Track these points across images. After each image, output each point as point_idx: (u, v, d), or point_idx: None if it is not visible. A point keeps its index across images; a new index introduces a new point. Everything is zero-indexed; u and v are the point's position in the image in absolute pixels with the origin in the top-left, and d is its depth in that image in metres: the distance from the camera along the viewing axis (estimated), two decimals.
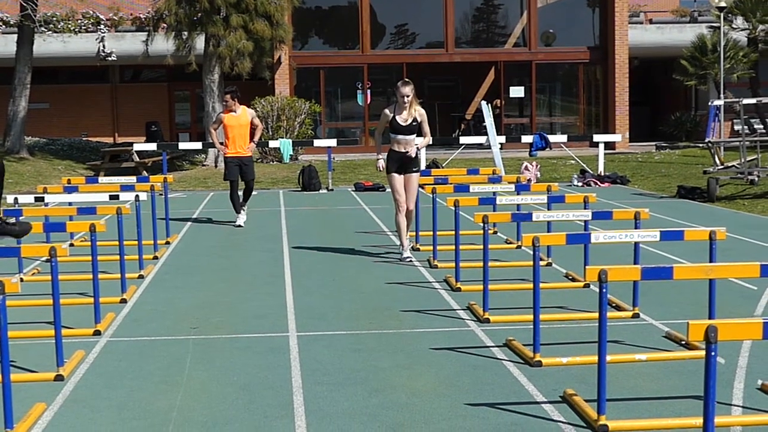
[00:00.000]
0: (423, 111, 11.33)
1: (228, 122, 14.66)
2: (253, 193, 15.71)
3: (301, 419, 5.77)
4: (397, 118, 11.16)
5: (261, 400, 6.18)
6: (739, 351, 7.10)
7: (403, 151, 11.23)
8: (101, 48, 31.36)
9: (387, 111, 11.24)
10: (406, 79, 11.39)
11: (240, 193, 15.04)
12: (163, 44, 26.93)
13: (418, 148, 11.38)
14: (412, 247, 12.10)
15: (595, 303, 6.18)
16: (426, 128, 11.42)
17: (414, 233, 12.30)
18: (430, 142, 12.25)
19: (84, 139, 32.62)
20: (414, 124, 11.19)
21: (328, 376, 6.68)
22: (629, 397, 6.11)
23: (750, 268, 5.73)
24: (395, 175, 11.35)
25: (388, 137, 11.34)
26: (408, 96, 11.12)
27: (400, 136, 11.20)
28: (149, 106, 35.50)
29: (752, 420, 5.62)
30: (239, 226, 14.70)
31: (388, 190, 20.30)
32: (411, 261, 11.24)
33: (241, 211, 14.88)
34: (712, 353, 4.21)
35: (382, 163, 11.60)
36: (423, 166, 11.53)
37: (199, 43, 26.43)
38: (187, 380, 6.66)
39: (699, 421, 4.76)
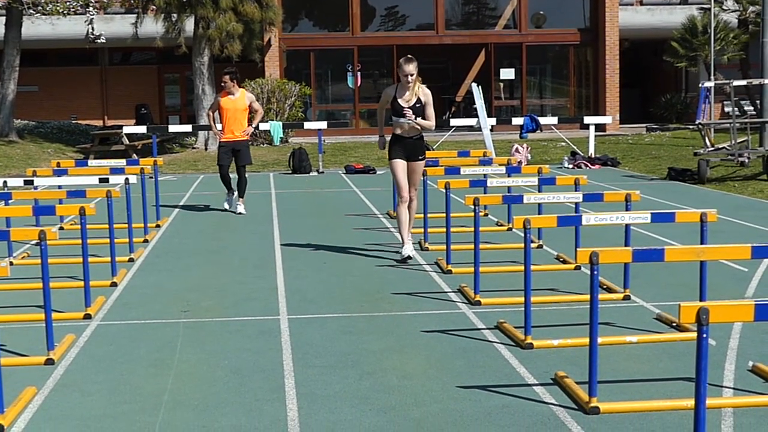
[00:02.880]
0: (428, 92, 10.31)
1: (224, 105, 14.07)
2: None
3: (292, 402, 5.77)
4: (399, 99, 10.18)
5: (252, 383, 6.17)
6: (729, 333, 7.11)
7: (407, 136, 10.23)
8: (90, 30, 31.13)
9: (388, 90, 10.34)
10: (410, 56, 10.24)
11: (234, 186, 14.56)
12: (152, 26, 26.82)
13: (416, 119, 10.13)
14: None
15: (586, 285, 6.19)
16: (430, 111, 10.26)
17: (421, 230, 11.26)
18: (432, 128, 10.49)
19: (73, 122, 32.50)
20: (418, 105, 10.16)
21: (319, 359, 6.67)
22: (620, 379, 6.12)
23: (741, 249, 5.73)
24: (398, 161, 10.32)
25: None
26: (411, 74, 10.07)
27: (402, 120, 10.18)
28: (139, 89, 35.38)
29: (743, 401, 5.63)
30: (225, 208, 14.48)
31: (379, 172, 20.42)
32: (410, 259, 10.23)
33: (238, 205, 14.28)
34: (704, 335, 4.21)
35: (383, 141, 10.70)
36: None
37: (189, 25, 26.34)
38: (178, 364, 6.65)
39: (690, 402, 4.77)
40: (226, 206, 14.55)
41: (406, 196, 10.30)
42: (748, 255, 5.69)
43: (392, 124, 10.31)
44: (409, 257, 10.21)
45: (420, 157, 10.38)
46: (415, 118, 10.14)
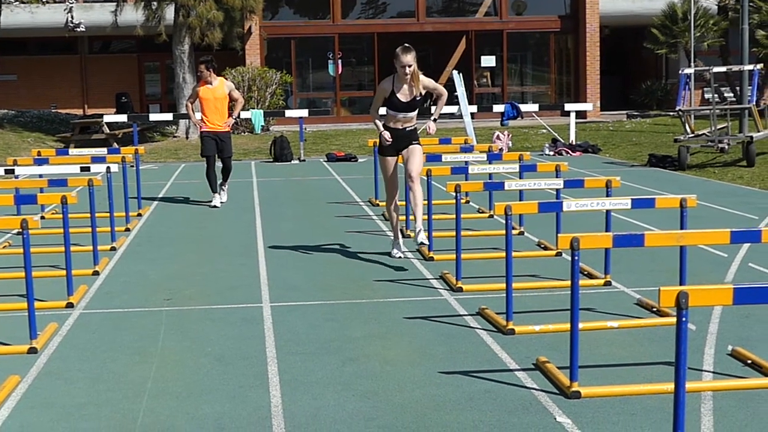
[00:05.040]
0: (428, 81, 9.39)
1: (203, 95, 13.69)
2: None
3: (275, 389, 5.79)
4: (397, 94, 9.22)
5: (235, 370, 6.19)
6: (709, 317, 7.17)
7: (401, 127, 9.39)
8: (69, 19, 31.05)
9: (384, 85, 9.28)
10: (407, 45, 9.23)
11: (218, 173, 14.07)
12: (132, 14, 26.73)
13: (435, 120, 9.56)
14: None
15: (567, 271, 6.23)
16: (439, 88, 9.59)
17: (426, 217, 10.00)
18: (445, 100, 9.70)
19: (53, 110, 32.37)
20: (418, 99, 9.27)
21: (302, 346, 6.69)
22: (601, 364, 6.16)
23: (720, 234, 5.78)
24: (389, 158, 9.49)
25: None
26: (410, 65, 9.08)
27: (400, 114, 9.31)
28: (119, 78, 35.25)
29: (722, 385, 5.68)
30: (214, 206, 13.72)
31: (361, 160, 20.42)
32: (401, 258, 9.64)
33: (222, 192, 14.03)
34: (683, 319, 4.24)
35: (387, 135, 9.36)
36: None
37: (169, 13, 26.25)
38: (161, 351, 6.66)
39: (670, 386, 4.81)
40: (217, 204, 13.83)
41: (396, 197, 9.66)
42: (727, 240, 5.73)
43: (386, 117, 9.49)
44: (400, 255, 9.68)
45: (414, 142, 9.52)
46: (434, 124, 9.56)
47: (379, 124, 9.51)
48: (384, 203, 10.65)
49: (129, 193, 12.63)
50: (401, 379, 5.94)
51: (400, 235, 9.84)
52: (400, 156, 9.62)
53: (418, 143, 9.55)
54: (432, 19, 32.42)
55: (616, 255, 8.59)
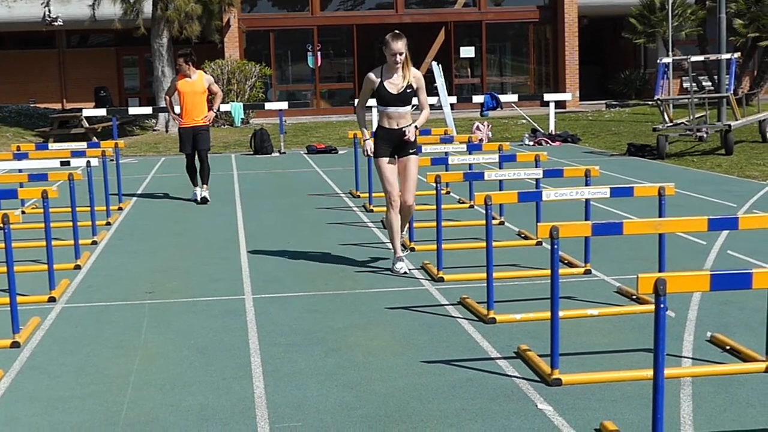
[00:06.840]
0: (419, 74, 8.63)
1: (182, 89, 13.44)
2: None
3: (259, 380, 5.82)
4: (385, 84, 8.48)
5: (218, 362, 6.21)
6: (688, 305, 7.23)
7: (396, 127, 8.57)
8: (47, 13, 30.89)
9: (372, 75, 8.55)
10: (397, 32, 8.49)
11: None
12: (110, 8, 26.61)
13: (417, 127, 8.61)
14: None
15: (547, 260, 6.27)
16: (423, 98, 8.71)
17: (407, 229, 9.62)
18: (428, 116, 8.94)
19: (32, 105, 32.21)
20: (408, 91, 8.51)
21: (285, 337, 6.72)
22: (582, 352, 6.21)
23: (698, 222, 5.83)
24: (385, 159, 8.66)
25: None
26: (401, 53, 8.40)
27: (391, 109, 8.50)
28: (97, 72, 35.10)
29: (701, 371, 5.74)
30: (195, 200, 13.58)
31: (341, 152, 20.43)
32: (406, 273, 8.61)
33: (203, 190, 13.59)
34: (662, 305, 4.29)
35: (369, 145, 8.71)
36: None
37: (147, 6, 26.16)
38: (144, 344, 6.67)
39: (650, 372, 4.87)
40: (198, 197, 13.63)
41: (398, 200, 8.71)
42: (704, 227, 5.78)
43: (378, 116, 8.87)
44: (403, 269, 8.66)
45: (412, 150, 8.68)
46: (416, 131, 8.59)
47: (365, 132, 8.84)
48: (367, 202, 10.63)
49: (109, 188, 12.61)
50: (384, 368, 5.98)
51: (399, 247, 8.81)
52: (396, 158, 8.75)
53: (416, 152, 8.75)
54: (411, 10, 32.42)
55: (595, 244, 8.64)
